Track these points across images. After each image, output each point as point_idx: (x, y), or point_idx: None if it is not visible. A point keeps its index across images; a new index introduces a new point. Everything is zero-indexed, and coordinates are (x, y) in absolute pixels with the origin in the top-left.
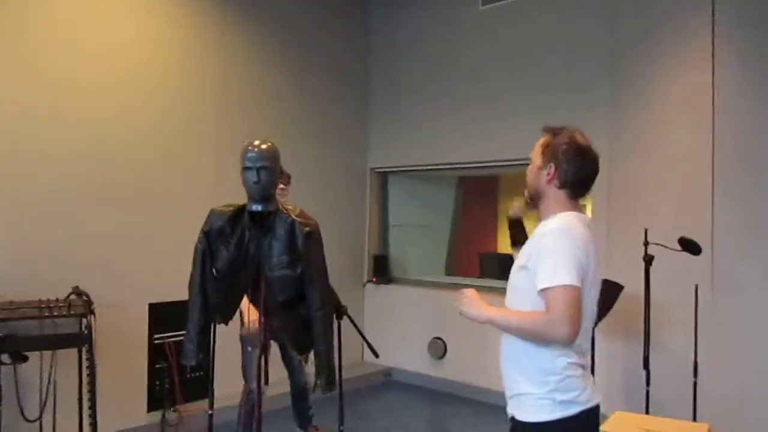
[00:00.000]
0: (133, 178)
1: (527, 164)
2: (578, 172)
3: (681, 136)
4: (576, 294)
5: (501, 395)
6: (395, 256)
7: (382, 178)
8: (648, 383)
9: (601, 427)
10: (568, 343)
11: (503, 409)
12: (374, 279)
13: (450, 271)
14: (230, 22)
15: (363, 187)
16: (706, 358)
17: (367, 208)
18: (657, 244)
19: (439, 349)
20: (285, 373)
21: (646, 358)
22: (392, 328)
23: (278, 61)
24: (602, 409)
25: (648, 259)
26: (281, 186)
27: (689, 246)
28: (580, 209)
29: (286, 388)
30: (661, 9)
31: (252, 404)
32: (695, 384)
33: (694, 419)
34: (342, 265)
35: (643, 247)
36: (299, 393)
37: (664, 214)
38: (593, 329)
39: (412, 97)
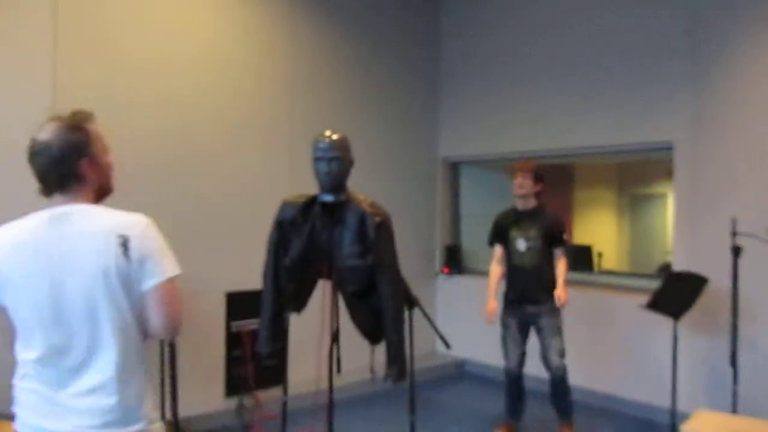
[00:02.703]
0: (208, 166)
1: (602, 153)
2: None
3: None
4: None
5: (575, 390)
6: (467, 246)
7: (454, 167)
8: (735, 381)
9: (682, 427)
10: None
11: (576, 403)
12: (446, 269)
13: None
14: (300, 12)
15: (434, 177)
16: None
17: (438, 198)
18: (747, 234)
19: None
20: (360, 362)
21: (734, 354)
22: (465, 319)
23: (348, 51)
24: (684, 408)
25: (736, 251)
26: None
27: None
28: None
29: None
30: None
31: (509, 381)
32: None
33: None
34: (413, 255)
35: (730, 238)
36: (555, 386)
37: (751, 205)
38: (676, 325)
39: (484, 86)
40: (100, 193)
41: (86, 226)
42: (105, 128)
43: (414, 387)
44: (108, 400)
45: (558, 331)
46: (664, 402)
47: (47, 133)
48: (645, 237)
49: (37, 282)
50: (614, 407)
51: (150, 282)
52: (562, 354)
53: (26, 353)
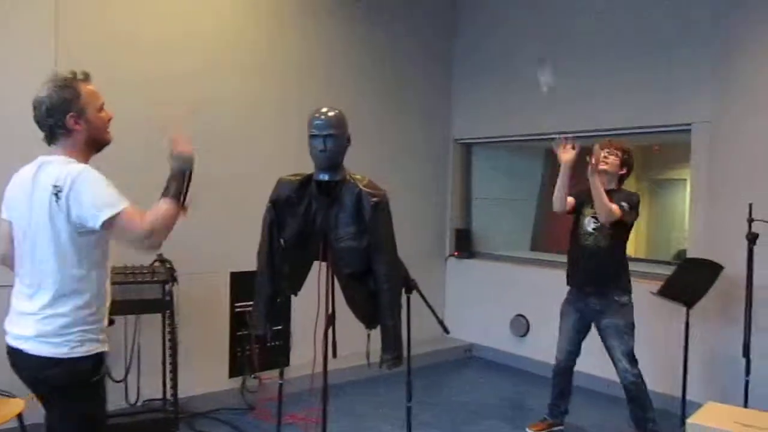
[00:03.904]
0: (217, 146)
1: (616, 134)
2: None
3: None
4: None
5: (584, 376)
6: (478, 230)
7: (466, 149)
8: (748, 373)
9: (690, 419)
10: None
11: (586, 390)
12: (456, 253)
13: (535, 246)
14: None
15: (446, 158)
16: None
17: (450, 181)
18: (764, 220)
19: (521, 326)
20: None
21: (747, 345)
22: (474, 304)
23: (362, 32)
24: (697, 398)
25: (752, 238)
26: None
27: None
28: None
29: (356, 361)
30: None
31: (553, 373)
32: None
33: None
34: (424, 238)
35: (746, 225)
36: (626, 392)
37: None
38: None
39: (498, 67)
40: (94, 145)
41: (44, 177)
42: (111, 108)
43: (411, 373)
44: (44, 318)
45: (624, 331)
46: (676, 392)
47: (41, 90)
48: (664, 222)
49: (20, 215)
50: (624, 395)
51: (94, 222)
52: (629, 357)
53: (17, 270)
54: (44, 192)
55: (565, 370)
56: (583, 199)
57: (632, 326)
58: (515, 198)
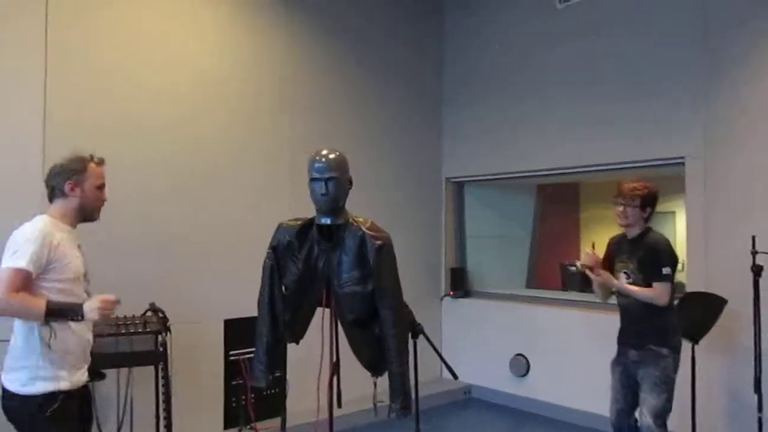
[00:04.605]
0: (208, 191)
1: (607, 170)
2: None
3: None
4: None
5: (587, 416)
6: (473, 268)
7: (458, 187)
8: (760, 409)
9: None
10: None
11: (591, 430)
12: (451, 292)
13: (531, 283)
14: (301, 31)
15: (438, 197)
16: None
17: (443, 219)
18: (766, 252)
19: (521, 366)
20: (362, 391)
21: (758, 380)
22: (471, 344)
23: (350, 70)
24: None
25: (757, 270)
26: None
27: None
28: None
29: (360, 405)
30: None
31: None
32: None
33: None
34: (418, 278)
35: (750, 257)
36: None
37: None
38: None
39: (487, 104)
40: (83, 214)
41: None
42: (101, 154)
43: (419, 420)
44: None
45: (656, 384)
46: (682, 428)
47: (61, 158)
48: None
49: None
50: None
51: None
52: (655, 414)
53: None
54: None
55: (619, 428)
56: (613, 249)
57: (669, 381)
58: (509, 235)
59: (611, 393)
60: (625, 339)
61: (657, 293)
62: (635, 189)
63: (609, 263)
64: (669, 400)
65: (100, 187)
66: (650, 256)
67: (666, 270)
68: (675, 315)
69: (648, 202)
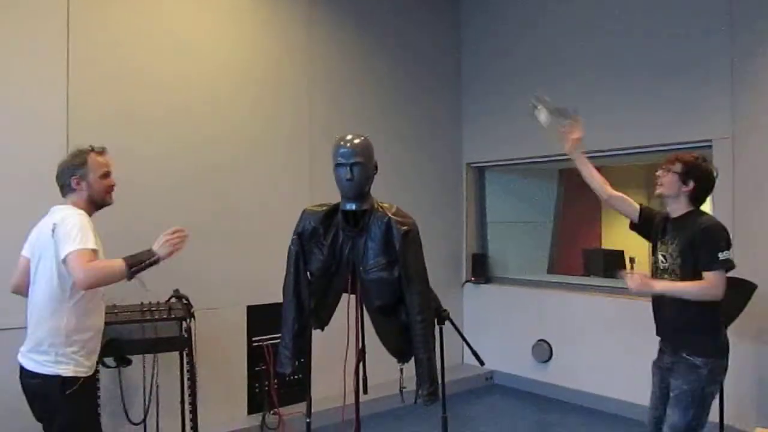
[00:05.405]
0: (231, 182)
1: (631, 153)
2: None
3: None
4: None
5: (611, 401)
6: (494, 254)
7: (479, 173)
8: None
9: None
10: None
11: (613, 416)
12: (473, 278)
13: (553, 269)
14: (323, 19)
15: (459, 183)
16: None
17: (464, 205)
18: None
19: (544, 352)
20: (388, 376)
21: None
22: (493, 330)
23: (370, 57)
24: (734, 423)
25: None
26: None
27: None
28: None
29: (385, 391)
30: None
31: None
32: None
33: None
34: (439, 264)
35: None
36: None
37: None
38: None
39: (508, 88)
40: (94, 203)
41: (49, 219)
42: (124, 144)
43: (446, 406)
44: (32, 335)
45: (683, 400)
46: (713, 416)
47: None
48: None
49: (32, 252)
50: None
51: (61, 254)
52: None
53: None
54: (47, 229)
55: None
56: (657, 223)
57: (698, 397)
58: (530, 221)
59: (650, 398)
60: (661, 339)
61: (712, 284)
62: (682, 155)
63: (645, 229)
64: (696, 418)
65: (105, 175)
66: (699, 238)
67: (723, 255)
68: (719, 313)
69: (692, 174)
